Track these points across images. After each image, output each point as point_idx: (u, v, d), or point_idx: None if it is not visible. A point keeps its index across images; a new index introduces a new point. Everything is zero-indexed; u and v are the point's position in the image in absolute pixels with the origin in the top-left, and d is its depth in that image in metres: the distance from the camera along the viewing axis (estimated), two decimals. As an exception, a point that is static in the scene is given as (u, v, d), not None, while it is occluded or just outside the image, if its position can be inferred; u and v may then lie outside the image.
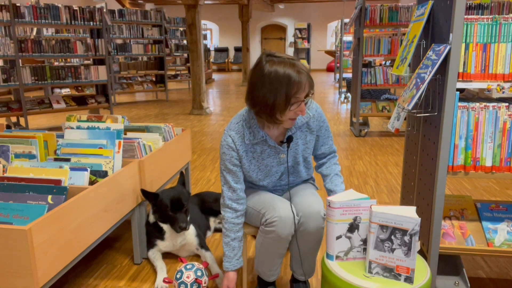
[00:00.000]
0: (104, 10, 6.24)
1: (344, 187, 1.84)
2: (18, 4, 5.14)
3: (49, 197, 1.76)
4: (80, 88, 8.17)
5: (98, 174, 2.12)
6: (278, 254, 1.75)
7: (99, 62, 6.28)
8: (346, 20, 8.28)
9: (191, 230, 2.31)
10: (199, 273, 1.95)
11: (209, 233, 2.63)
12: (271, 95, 1.52)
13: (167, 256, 2.36)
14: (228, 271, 1.80)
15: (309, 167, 1.90)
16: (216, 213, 2.72)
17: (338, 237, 1.50)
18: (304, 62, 14.16)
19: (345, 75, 9.47)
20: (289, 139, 1.73)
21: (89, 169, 2.07)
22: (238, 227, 1.79)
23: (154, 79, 9.42)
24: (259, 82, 1.54)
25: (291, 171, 1.84)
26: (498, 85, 1.61)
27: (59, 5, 5.51)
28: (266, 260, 1.78)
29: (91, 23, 5.88)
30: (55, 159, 2.21)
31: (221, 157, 1.78)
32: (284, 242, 1.69)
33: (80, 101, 6.13)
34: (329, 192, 1.85)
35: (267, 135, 1.72)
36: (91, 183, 2.07)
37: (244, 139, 1.71)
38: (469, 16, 1.58)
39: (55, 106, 5.85)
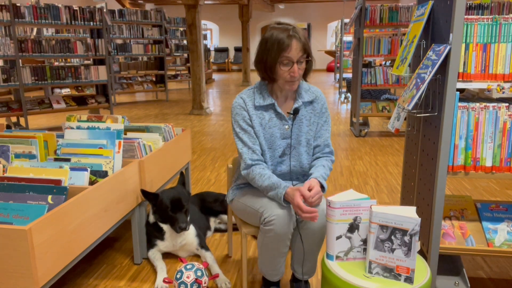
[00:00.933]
0: (104, 10, 6.24)
1: (322, 172, 1.78)
2: (18, 4, 5.14)
3: (49, 197, 1.76)
4: (80, 88, 8.17)
5: (98, 174, 2.12)
6: (279, 253, 1.74)
7: (99, 62, 6.28)
8: (346, 20, 8.28)
9: (191, 230, 2.31)
10: (199, 273, 1.95)
11: (209, 233, 2.63)
12: (264, 54, 1.74)
13: (167, 256, 2.36)
14: (286, 191, 1.65)
15: (310, 155, 1.90)
16: (216, 213, 2.72)
17: (338, 237, 1.50)
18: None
19: (345, 75, 9.47)
20: (296, 111, 1.79)
21: (89, 169, 2.07)
22: (269, 173, 1.74)
23: (154, 79, 9.42)
24: (259, 45, 1.78)
25: (293, 153, 1.85)
26: (498, 85, 1.61)
27: (59, 5, 5.51)
28: (269, 260, 1.78)
29: (91, 23, 5.88)
30: (55, 159, 2.21)
31: (234, 119, 1.84)
32: (284, 241, 1.69)
33: (80, 101, 6.13)
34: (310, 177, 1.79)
35: (275, 102, 1.82)
36: (91, 183, 2.07)
37: (254, 102, 1.81)
38: (469, 16, 1.58)
39: (55, 106, 5.85)
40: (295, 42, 1.68)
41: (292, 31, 1.69)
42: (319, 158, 1.88)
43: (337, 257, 1.52)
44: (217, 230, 2.71)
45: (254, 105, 1.82)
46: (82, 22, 5.78)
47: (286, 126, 1.83)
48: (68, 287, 2.11)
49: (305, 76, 1.83)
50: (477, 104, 1.65)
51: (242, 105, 1.82)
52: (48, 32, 8.78)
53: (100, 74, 6.03)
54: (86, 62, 8.95)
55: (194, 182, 3.69)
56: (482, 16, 1.58)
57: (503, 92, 1.62)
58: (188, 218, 2.26)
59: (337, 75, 11.16)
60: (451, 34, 1.57)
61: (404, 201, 2.21)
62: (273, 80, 1.77)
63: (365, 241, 1.50)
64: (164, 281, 2.05)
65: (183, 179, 2.45)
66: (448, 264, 1.95)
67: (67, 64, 6.96)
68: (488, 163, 1.70)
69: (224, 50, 18.17)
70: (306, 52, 1.73)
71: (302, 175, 1.90)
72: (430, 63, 1.65)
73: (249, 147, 1.79)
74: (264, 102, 1.81)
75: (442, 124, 1.65)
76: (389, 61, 7.54)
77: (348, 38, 10.73)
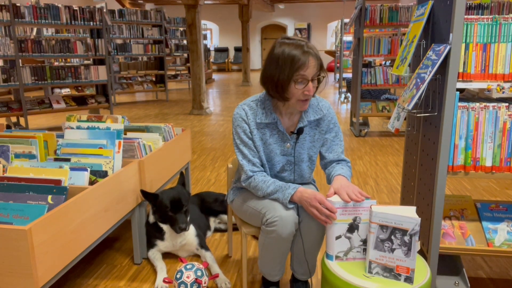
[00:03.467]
0: (104, 10, 6.24)
1: (342, 172, 1.73)
2: (18, 4, 5.14)
3: (49, 197, 1.76)
4: (80, 88, 8.17)
5: (98, 174, 2.12)
6: (280, 254, 1.74)
7: (99, 62, 6.28)
8: (346, 20, 8.27)
9: (191, 230, 2.31)
10: (199, 273, 1.95)
11: (209, 233, 2.63)
12: (276, 72, 1.63)
13: (167, 256, 2.36)
14: (297, 190, 1.64)
15: (312, 169, 1.89)
16: (216, 213, 2.72)
17: (338, 237, 1.50)
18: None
19: (345, 75, 9.47)
20: (299, 131, 1.74)
21: (89, 169, 2.07)
22: (272, 179, 1.73)
23: (154, 79, 9.42)
24: (269, 62, 1.67)
25: (294, 169, 1.84)
26: (498, 85, 1.61)
27: (59, 5, 5.51)
28: (269, 260, 1.78)
29: (91, 23, 5.88)
30: (55, 159, 2.21)
31: (235, 131, 1.79)
32: (286, 242, 1.69)
33: (80, 101, 6.14)
34: (333, 177, 1.74)
35: (278, 119, 1.76)
36: (91, 183, 2.07)
37: (256, 118, 1.75)
38: (469, 16, 1.58)
39: (55, 106, 5.85)
40: (312, 60, 1.59)
41: (307, 47, 1.60)
42: (334, 167, 1.81)
43: (337, 257, 1.52)
44: (217, 230, 2.71)
45: (255, 120, 1.76)
46: (82, 22, 5.78)
47: (288, 144, 1.79)
48: (68, 287, 2.11)
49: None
50: (477, 104, 1.65)
51: (243, 117, 1.76)
52: (48, 32, 8.79)
53: (100, 74, 6.03)
54: (86, 62, 8.95)
55: (194, 182, 3.69)
56: (482, 16, 1.58)
57: (503, 92, 1.62)
58: (188, 218, 2.26)
59: (337, 75, 11.16)
60: (451, 34, 1.57)
61: (404, 201, 2.21)
62: (285, 99, 1.67)
63: (364, 241, 1.50)
64: (164, 281, 2.05)
65: (183, 179, 2.45)
66: (448, 264, 1.95)
67: (67, 64, 6.96)
68: (488, 163, 1.70)
69: (224, 50, 18.18)
70: (321, 70, 1.65)
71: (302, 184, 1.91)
72: (430, 63, 1.65)
73: (249, 160, 1.77)
74: (266, 120, 1.75)
75: (442, 124, 1.65)
76: (389, 61, 7.54)
77: (348, 38, 10.74)
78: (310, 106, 1.81)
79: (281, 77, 1.61)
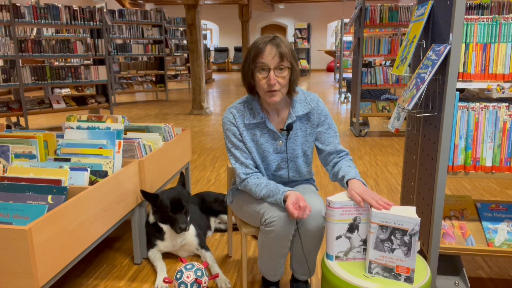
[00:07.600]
0: (104, 10, 6.24)
1: (354, 173, 1.67)
2: (18, 4, 5.14)
3: (49, 197, 1.76)
4: (80, 88, 8.17)
5: (98, 174, 2.12)
6: (280, 253, 1.75)
7: (99, 62, 6.28)
8: (346, 20, 8.27)
9: (191, 230, 2.31)
10: (199, 273, 1.95)
11: (209, 233, 2.63)
12: (245, 62, 1.72)
13: (167, 256, 2.36)
14: (286, 193, 1.63)
15: (308, 163, 1.88)
16: (216, 213, 2.72)
17: (338, 237, 1.50)
18: (304, 62, 14.15)
19: (345, 75, 9.47)
20: (289, 128, 1.75)
21: (89, 169, 2.07)
22: (265, 182, 1.72)
23: (154, 79, 9.42)
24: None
25: (290, 165, 1.84)
26: (498, 85, 1.62)
27: (59, 5, 5.51)
28: (269, 260, 1.78)
29: (91, 23, 5.88)
30: (55, 159, 2.21)
31: (225, 134, 1.81)
32: (285, 242, 1.69)
33: (80, 101, 6.13)
34: (342, 178, 1.70)
35: (266, 118, 1.76)
36: (91, 183, 2.07)
37: (244, 119, 1.77)
38: (469, 16, 1.58)
39: (55, 106, 5.85)
40: (269, 47, 1.62)
41: (272, 38, 1.64)
42: (338, 162, 1.80)
43: (337, 257, 1.52)
44: (217, 230, 2.71)
45: (244, 122, 1.77)
46: (82, 22, 5.78)
47: (280, 142, 1.79)
48: (68, 287, 2.11)
49: (290, 87, 1.71)
50: (477, 104, 1.65)
51: (231, 120, 1.78)
52: (48, 32, 8.79)
53: (100, 74, 6.02)
54: (86, 62, 8.95)
55: (194, 182, 3.69)
56: (482, 16, 1.58)
57: (503, 92, 1.62)
58: (188, 218, 2.26)
59: (337, 75, 11.16)
60: (451, 34, 1.57)
61: (404, 201, 2.21)
62: (254, 92, 1.74)
63: (364, 241, 1.50)
64: (164, 281, 2.05)
65: (183, 179, 2.45)
66: (448, 264, 1.95)
67: (67, 64, 6.96)
68: (488, 163, 1.70)
69: (224, 50, 18.17)
70: (285, 60, 1.63)
71: (301, 181, 1.91)
72: (430, 63, 1.65)
73: (241, 162, 1.77)
74: (254, 120, 1.76)
75: (442, 124, 1.65)
76: (389, 61, 7.54)
77: (348, 38, 10.74)
78: (297, 101, 1.80)
79: (245, 67, 1.70)
